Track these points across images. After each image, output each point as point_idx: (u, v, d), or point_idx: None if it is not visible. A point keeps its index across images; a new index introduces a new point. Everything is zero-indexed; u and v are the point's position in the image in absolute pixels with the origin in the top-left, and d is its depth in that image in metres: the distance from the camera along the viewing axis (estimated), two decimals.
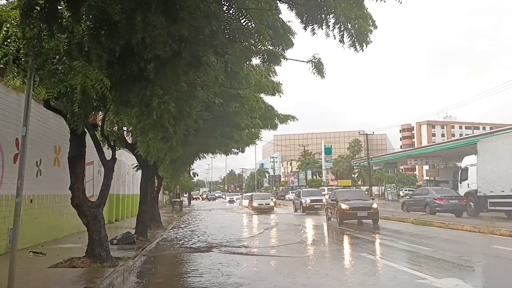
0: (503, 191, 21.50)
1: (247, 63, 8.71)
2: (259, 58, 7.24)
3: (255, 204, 37.14)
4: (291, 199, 45.71)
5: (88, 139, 10.42)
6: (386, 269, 9.71)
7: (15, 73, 7.16)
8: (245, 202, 42.94)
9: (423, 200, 27.17)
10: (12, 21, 6.48)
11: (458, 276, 8.44)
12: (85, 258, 9.74)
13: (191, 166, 37.94)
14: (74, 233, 14.79)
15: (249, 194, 46.71)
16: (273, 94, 12.53)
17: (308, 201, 33.92)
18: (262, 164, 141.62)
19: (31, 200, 12.32)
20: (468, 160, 27.82)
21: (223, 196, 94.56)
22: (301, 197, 35.39)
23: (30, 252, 10.94)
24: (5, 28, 6.44)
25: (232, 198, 73.60)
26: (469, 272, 9.26)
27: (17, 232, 5.33)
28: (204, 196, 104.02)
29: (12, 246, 5.34)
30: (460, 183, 27.86)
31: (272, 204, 37.71)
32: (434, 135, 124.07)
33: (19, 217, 5.36)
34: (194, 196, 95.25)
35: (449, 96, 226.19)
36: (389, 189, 59.27)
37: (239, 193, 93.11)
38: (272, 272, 9.84)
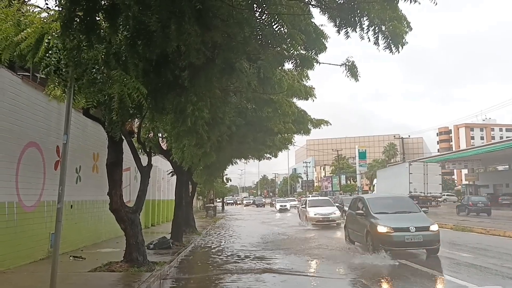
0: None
1: (280, 68, 8.73)
2: (292, 62, 7.22)
3: (310, 214, 25.11)
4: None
5: (125, 146, 10.66)
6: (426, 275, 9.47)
7: (56, 83, 7.43)
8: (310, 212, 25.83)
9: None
10: (53, 33, 6.73)
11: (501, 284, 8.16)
12: (123, 262, 9.95)
13: (224, 171, 37.94)
14: (112, 238, 15.14)
15: (308, 199, 30.46)
16: (306, 99, 12.48)
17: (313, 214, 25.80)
18: (295, 169, 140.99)
19: (71, 205, 12.70)
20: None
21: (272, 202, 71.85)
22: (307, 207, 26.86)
23: (70, 256, 11.27)
24: (46, 40, 6.69)
25: (285, 205, 55.12)
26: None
27: (58, 237, 5.50)
28: (245, 202, 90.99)
29: (54, 251, 5.50)
30: None
31: (337, 214, 25.11)
32: (472, 138, 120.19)
33: (60, 222, 5.54)
34: (228, 202, 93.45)
35: (488, 98, 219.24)
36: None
37: (296, 198, 75.69)
38: None
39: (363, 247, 13.32)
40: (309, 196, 43.12)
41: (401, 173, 36.09)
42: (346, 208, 26.44)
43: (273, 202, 68.46)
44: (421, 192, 33.57)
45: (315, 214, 25.01)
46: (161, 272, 9.59)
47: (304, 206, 27.83)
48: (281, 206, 54.96)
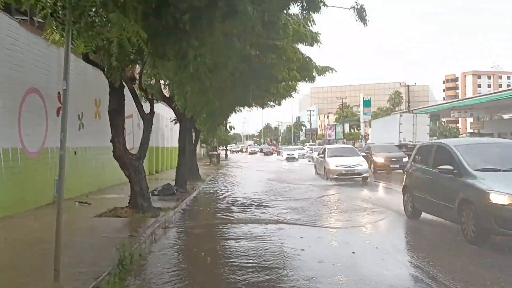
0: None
1: (285, 11, 8.41)
2: (298, 5, 6.93)
3: (331, 166, 20.39)
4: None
5: (127, 92, 10.53)
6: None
7: (54, 27, 7.18)
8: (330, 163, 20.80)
9: None
10: None
11: None
12: (128, 208, 10.10)
13: (228, 119, 37.81)
14: (117, 184, 15.31)
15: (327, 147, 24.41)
16: (311, 45, 12.16)
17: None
18: (299, 117, 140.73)
19: (75, 152, 12.75)
20: None
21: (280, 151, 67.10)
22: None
23: (76, 202, 11.44)
24: None
25: (292, 154, 51.23)
26: None
27: (62, 183, 5.50)
28: (250, 150, 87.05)
29: (58, 197, 5.52)
30: None
31: (364, 167, 20.38)
32: (479, 86, 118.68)
33: (64, 168, 5.51)
34: (233, 150, 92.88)
35: (497, 45, 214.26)
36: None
37: (304, 146, 69.62)
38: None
39: (442, 227, 8.88)
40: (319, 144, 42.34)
41: (392, 124, 38.73)
42: (375, 158, 24.77)
43: (280, 150, 64.29)
44: (409, 141, 34.75)
45: (336, 166, 19.99)
46: (166, 218, 9.75)
47: (322, 155, 22.44)
48: (288, 155, 51.18)
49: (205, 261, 6.89)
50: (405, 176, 10.95)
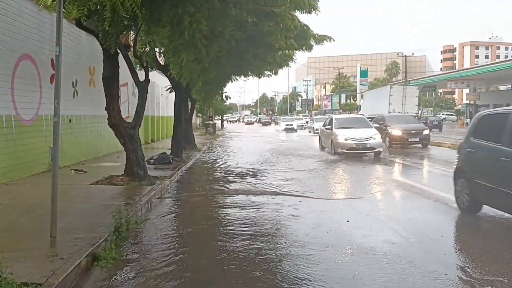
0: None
1: None
2: None
3: (339, 139, 17.72)
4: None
5: (121, 60, 10.38)
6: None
7: None
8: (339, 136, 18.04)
9: None
10: None
11: None
12: (124, 176, 10.12)
13: (224, 88, 37.43)
14: (113, 153, 15.31)
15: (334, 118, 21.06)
16: (309, 12, 11.88)
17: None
18: (295, 87, 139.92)
19: (70, 120, 12.68)
20: None
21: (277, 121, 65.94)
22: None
23: (72, 170, 11.45)
24: None
25: (291, 125, 47.93)
26: None
27: (57, 150, 5.46)
28: (246, 120, 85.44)
29: (53, 163, 5.50)
30: None
31: (377, 140, 17.70)
32: (477, 56, 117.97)
33: (58, 135, 5.46)
34: (230, 120, 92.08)
35: (496, 15, 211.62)
36: (426, 113, 57.93)
37: (303, 117, 66.97)
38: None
39: None
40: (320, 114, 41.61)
41: (383, 95, 40.47)
42: (391, 131, 21.32)
43: (278, 121, 60.90)
44: (399, 112, 36.27)
45: (346, 139, 17.32)
46: (162, 186, 9.79)
47: (328, 127, 19.39)
48: (286, 125, 47.95)
49: (201, 229, 6.95)
50: (458, 155, 8.33)
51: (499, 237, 6.37)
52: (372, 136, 17.51)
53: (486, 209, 7.33)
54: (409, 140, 21.29)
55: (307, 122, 53.42)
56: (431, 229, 6.67)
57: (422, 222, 7.16)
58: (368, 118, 32.83)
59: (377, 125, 21.41)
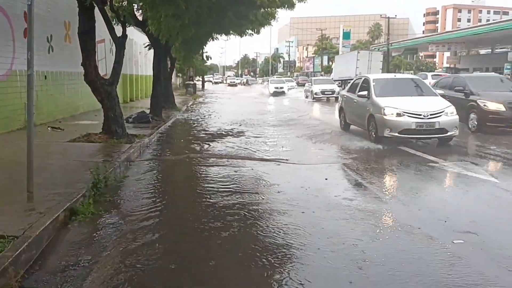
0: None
1: None
2: None
3: (387, 114, 10.25)
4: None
5: (98, 15, 10.04)
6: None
7: None
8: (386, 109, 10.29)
9: None
10: None
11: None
12: (102, 134, 10.00)
13: (204, 48, 36.63)
14: (90, 111, 15.05)
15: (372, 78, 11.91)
16: None
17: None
18: (277, 48, 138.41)
19: (45, 76, 12.35)
20: None
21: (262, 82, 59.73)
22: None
23: (48, 127, 11.25)
24: None
25: (281, 87, 41.84)
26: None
27: (31, 105, 5.31)
28: (229, 81, 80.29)
29: (28, 118, 5.38)
30: None
31: (450, 117, 10.26)
32: (459, 20, 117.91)
33: (32, 89, 5.30)
34: (215, 81, 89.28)
35: None
36: None
37: (294, 79, 62.75)
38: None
39: None
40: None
41: (351, 60, 42.90)
42: (484, 103, 12.50)
43: (266, 83, 51.60)
44: (348, 76, 38.19)
45: (398, 115, 10.09)
46: (141, 144, 9.71)
47: (362, 94, 11.45)
48: (276, 88, 41.32)
49: (180, 186, 6.97)
50: (340, 100, 14.36)
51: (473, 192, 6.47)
52: (442, 110, 10.41)
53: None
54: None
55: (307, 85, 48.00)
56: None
57: None
58: (336, 81, 35.15)
59: (445, 93, 13.13)
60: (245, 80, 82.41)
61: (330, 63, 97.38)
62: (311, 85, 32.79)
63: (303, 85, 43.42)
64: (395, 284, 3.54)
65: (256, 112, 20.40)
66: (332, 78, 42.94)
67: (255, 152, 9.81)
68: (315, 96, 30.83)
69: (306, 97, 33.43)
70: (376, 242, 4.42)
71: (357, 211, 5.41)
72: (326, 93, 30.99)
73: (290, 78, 61.73)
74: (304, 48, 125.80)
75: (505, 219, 5.30)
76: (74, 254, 4.05)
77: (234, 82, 77.75)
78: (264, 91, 45.47)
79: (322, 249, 4.21)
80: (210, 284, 3.61)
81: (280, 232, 4.68)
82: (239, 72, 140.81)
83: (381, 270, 3.77)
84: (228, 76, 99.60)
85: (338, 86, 32.30)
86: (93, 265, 3.80)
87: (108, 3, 11.13)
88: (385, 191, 6.57)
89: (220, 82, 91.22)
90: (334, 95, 29.46)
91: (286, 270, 3.75)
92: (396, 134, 10.17)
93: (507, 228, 4.95)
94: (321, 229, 4.78)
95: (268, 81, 48.41)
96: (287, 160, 8.73)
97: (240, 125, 14.93)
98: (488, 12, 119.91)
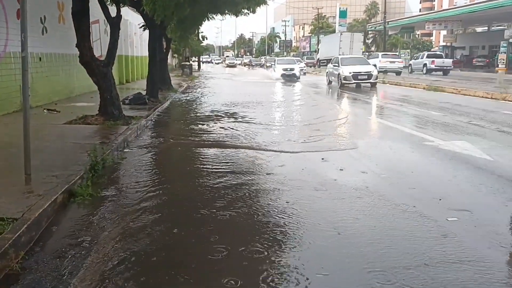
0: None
1: None
2: None
3: (345, 73, 23.43)
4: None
5: None
6: (393, 131, 9.85)
7: None
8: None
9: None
10: None
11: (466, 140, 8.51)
12: (98, 116, 9.97)
13: (200, 28, 36.12)
14: (86, 93, 14.98)
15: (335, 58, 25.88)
16: None
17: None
18: (273, 28, 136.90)
19: (40, 58, 12.24)
20: None
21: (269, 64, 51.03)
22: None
23: (44, 109, 11.20)
24: None
25: (292, 69, 32.49)
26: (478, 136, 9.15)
27: (26, 86, 5.29)
28: (228, 62, 76.45)
29: (23, 100, 5.36)
30: None
31: (375, 73, 23.73)
32: None
33: (27, 71, 5.27)
34: (216, 61, 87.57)
35: None
36: (403, 55, 57.87)
37: (303, 60, 52.82)
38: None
39: None
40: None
41: (335, 41, 48.40)
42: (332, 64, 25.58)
43: (272, 63, 40.62)
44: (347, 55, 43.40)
45: (350, 73, 23.35)
46: (138, 126, 9.70)
47: (335, 65, 25.29)
48: (284, 70, 32.44)
49: (179, 167, 6.99)
50: (327, 70, 26.99)
51: (467, 172, 6.60)
52: (371, 70, 22.99)
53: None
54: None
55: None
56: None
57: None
58: (322, 60, 38.09)
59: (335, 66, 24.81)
60: (247, 61, 77.94)
61: None
62: (336, 66, 24.44)
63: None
64: (389, 261, 3.60)
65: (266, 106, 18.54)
66: (318, 58, 49.97)
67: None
68: (343, 81, 22.99)
69: (330, 82, 25.70)
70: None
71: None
72: (360, 77, 22.68)
73: (299, 58, 51.72)
74: (301, 27, 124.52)
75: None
76: (73, 235, 4.09)
77: (233, 63, 74.31)
78: (268, 73, 40.54)
79: None
80: (212, 261, 3.66)
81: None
82: (236, 52, 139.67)
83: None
84: (227, 56, 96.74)
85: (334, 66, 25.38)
86: (93, 246, 3.84)
87: None
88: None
89: (221, 63, 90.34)
90: (372, 81, 22.58)
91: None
92: (349, 81, 22.83)
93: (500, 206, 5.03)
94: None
95: (274, 62, 37.84)
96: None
97: (233, 105, 15.00)
98: None
